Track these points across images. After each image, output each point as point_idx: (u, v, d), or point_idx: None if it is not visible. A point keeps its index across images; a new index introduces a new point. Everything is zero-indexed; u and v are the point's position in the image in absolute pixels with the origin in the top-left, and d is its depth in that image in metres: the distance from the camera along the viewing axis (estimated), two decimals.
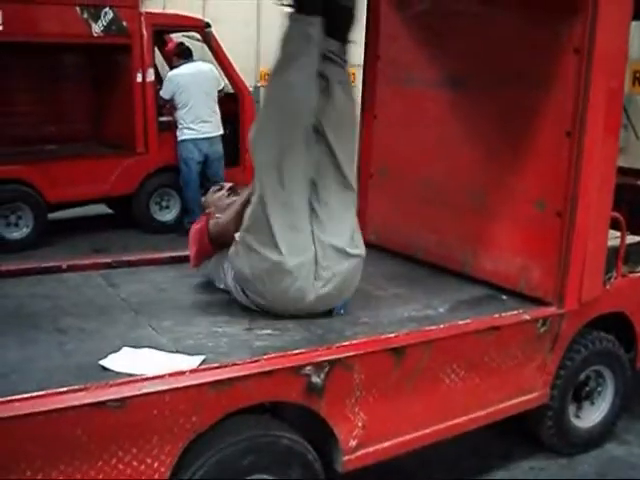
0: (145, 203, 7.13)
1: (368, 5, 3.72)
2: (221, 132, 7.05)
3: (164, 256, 3.42)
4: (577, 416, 3.26)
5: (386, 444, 2.47)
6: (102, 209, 7.61)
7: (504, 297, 3.05)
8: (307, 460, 2.28)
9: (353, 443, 2.37)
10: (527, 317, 2.79)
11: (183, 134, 6.88)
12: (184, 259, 3.39)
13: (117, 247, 6.55)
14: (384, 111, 3.67)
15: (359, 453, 2.39)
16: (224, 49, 7.39)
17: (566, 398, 3.14)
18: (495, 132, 3.09)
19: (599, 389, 3.31)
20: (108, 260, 3.28)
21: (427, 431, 2.55)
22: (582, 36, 2.68)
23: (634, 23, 2.84)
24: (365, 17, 3.71)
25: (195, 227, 3.02)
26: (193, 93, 6.81)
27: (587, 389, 3.25)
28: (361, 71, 3.85)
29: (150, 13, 7.08)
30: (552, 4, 2.79)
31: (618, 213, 3.07)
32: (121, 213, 7.52)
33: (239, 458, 2.13)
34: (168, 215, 7.34)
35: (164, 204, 7.32)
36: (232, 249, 2.70)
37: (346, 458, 2.35)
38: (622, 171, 3.03)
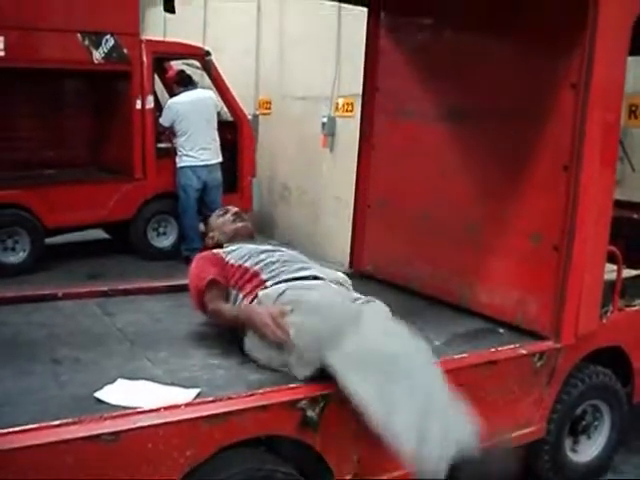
0: (142, 229, 7.15)
1: (367, 37, 3.77)
2: (220, 160, 7.08)
3: (160, 285, 3.42)
4: (574, 450, 3.24)
5: (382, 478, 2.45)
6: (99, 234, 7.62)
7: (501, 330, 3.05)
8: None
9: (348, 477, 2.35)
10: (524, 351, 2.79)
11: (182, 161, 6.90)
12: (180, 288, 3.39)
13: (113, 273, 6.55)
14: (382, 142, 3.70)
15: None
16: (223, 77, 7.46)
17: (563, 432, 3.12)
18: (492, 165, 3.11)
19: (596, 423, 3.29)
20: (104, 288, 3.27)
21: None
22: (579, 71, 2.70)
23: (630, 58, 2.87)
24: (365, 47, 3.76)
25: (194, 271, 2.90)
26: (193, 121, 6.84)
27: (584, 423, 3.23)
28: (359, 101, 3.89)
29: (150, 41, 7.18)
30: (549, 39, 2.83)
31: (614, 246, 3.08)
32: (118, 239, 7.53)
33: None
34: (165, 241, 7.35)
35: (161, 230, 7.34)
36: None
37: None
38: (618, 204, 3.05)
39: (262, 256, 2.80)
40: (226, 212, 3.18)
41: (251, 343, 2.53)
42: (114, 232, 7.60)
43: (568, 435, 3.18)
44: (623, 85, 2.81)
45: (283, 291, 2.56)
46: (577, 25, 2.68)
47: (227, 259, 2.85)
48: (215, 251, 2.97)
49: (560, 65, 2.77)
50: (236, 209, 3.19)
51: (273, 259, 2.77)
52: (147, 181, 7.03)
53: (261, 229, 8.67)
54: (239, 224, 3.05)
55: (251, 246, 2.92)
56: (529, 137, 2.93)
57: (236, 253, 2.87)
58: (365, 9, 3.79)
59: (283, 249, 2.96)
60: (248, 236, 3.11)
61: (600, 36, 2.64)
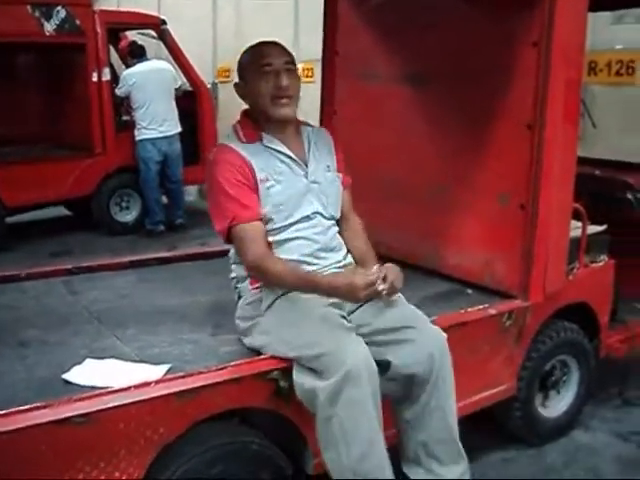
0: (105, 204, 7.04)
1: (325, 0, 3.70)
2: (179, 130, 6.98)
3: (124, 260, 3.36)
4: (544, 406, 3.29)
5: None
6: (61, 211, 7.49)
7: (469, 291, 3.06)
8: (277, 464, 2.25)
9: None
10: (493, 311, 2.80)
11: (141, 134, 6.79)
12: (144, 263, 3.36)
13: (77, 250, 6.46)
14: (344, 107, 3.65)
15: None
16: (180, 46, 7.31)
17: (533, 389, 3.16)
18: (456, 127, 3.09)
19: (564, 378, 3.34)
20: (68, 266, 3.21)
21: (395, 430, 2.54)
22: (540, 29, 2.68)
23: (589, 14, 2.85)
24: (323, 11, 3.69)
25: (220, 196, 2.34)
26: (150, 92, 6.73)
27: (553, 379, 3.27)
28: (320, 66, 3.83)
29: (104, 11, 7.02)
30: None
31: (578, 203, 3.09)
32: (80, 215, 7.41)
33: (208, 467, 2.09)
34: (128, 216, 7.26)
35: (124, 205, 7.23)
36: None
37: (316, 460, 2.33)
38: (580, 161, 3.06)
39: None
40: None
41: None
42: (76, 209, 7.47)
43: (538, 391, 3.23)
44: (584, 42, 2.80)
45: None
46: None
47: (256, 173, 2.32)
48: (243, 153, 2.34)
49: (521, 24, 2.75)
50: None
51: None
52: (107, 155, 6.90)
53: None
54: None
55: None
56: (492, 97, 2.91)
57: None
58: None
59: None
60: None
61: None
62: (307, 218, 2.39)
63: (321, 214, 2.42)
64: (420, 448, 2.34)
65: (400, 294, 2.43)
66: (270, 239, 2.34)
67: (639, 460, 3.23)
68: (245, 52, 2.44)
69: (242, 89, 2.42)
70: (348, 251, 2.54)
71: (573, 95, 2.83)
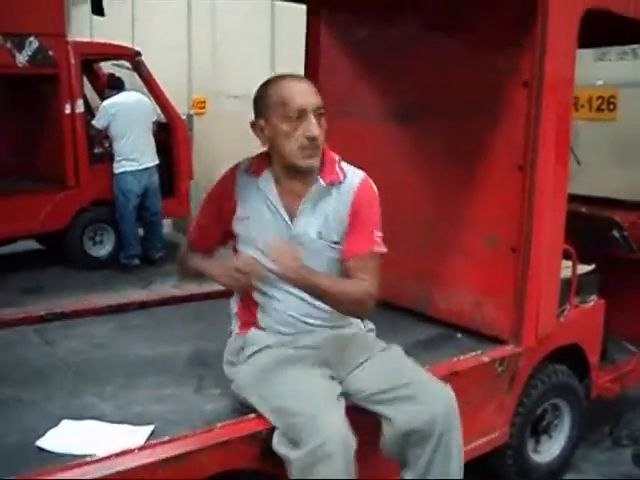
0: (78, 238, 6.88)
1: (307, 35, 3.64)
2: (157, 162, 6.89)
3: (101, 306, 3.22)
4: (536, 451, 3.21)
5: None
6: (32, 245, 7.31)
7: (459, 335, 2.99)
8: None
9: None
10: (486, 359, 2.72)
11: (122, 166, 6.68)
12: (122, 308, 3.23)
13: (50, 286, 6.29)
14: (327, 144, 3.57)
15: None
16: (155, 77, 7.23)
17: (524, 434, 3.07)
18: (445, 166, 3.03)
19: (556, 422, 3.26)
20: (41, 313, 3.06)
21: None
22: (531, 69, 2.64)
23: None
24: (305, 46, 3.63)
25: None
26: (130, 123, 6.64)
27: (544, 423, 3.20)
28: None
29: (78, 42, 6.91)
30: (501, 38, 2.76)
31: (566, 242, 3.04)
32: (52, 249, 7.24)
33: None
34: (102, 250, 7.10)
35: (98, 239, 7.08)
36: None
37: None
38: (567, 198, 3.01)
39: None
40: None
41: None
42: (48, 242, 7.30)
43: (530, 436, 3.14)
44: (574, 81, 2.76)
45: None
46: (527, 22, 2.62)
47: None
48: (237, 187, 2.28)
49: (511, 63, 2.71)
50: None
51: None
52: (81, 189, 6.75)
53: None
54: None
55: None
56: (481, 137, 2.86)
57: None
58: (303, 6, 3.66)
59: None
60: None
61: (550, 33, 2.57)
62: None
63: None
64: None
65: (401, 350, 2.34)
66: (263, 289, 2.24)
67: None
68: (268, 87, 2.19)
69: (262, 129, 2.19)
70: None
71: (564, 135, 2.78)
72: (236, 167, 2.32)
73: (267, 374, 2.16)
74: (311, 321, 2.27)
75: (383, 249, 2.26)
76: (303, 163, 2.16)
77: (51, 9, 6.53)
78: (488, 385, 2.78)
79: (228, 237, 2.34)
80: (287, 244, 2.18)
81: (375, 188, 2.31)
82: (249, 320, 2.32)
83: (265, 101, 2.17)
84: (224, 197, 2.28)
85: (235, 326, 2.38)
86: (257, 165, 2.27)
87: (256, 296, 2.27)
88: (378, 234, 2.26)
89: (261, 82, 2.25)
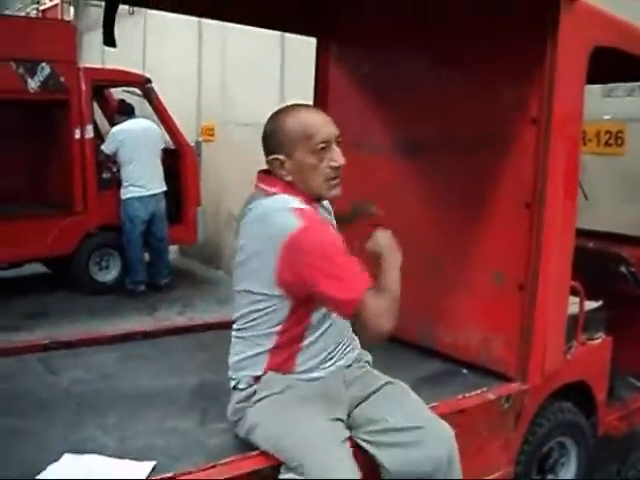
0: (84, 263, 6.90)
1: (316, 68, 3.66)
2: (165, 189, 6.92)
3: (105, 335, 3.21)
4: None
5: None
6: (38, 268, 7.32)
7: (465, 371, 2.96)
8: None
9: None
10: (492, 396, 2.69)
11: (129, 192, 6.71)
12: (127, 337, 3.22)
13: (54, 311, 6.28)
14: None
15: None
16: (164, 104, 7.28)
17: (530, 473, 3.03)
18: (451, 201, 3.02)
19: (562, 460, 3.22)
20: (45, 341, 3.05)
21: None
22: (539, 105, 2.64)
23: None
24: (314, 79, 3.65)
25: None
26: (139, 149, 6.68)
27: (551, 461, 3.16)
28: None
29: (89, 68, 6.98)
30: (509, 73, 2.76)
31: (573, 278, 3.02)
32: (59, 273, 7.24)
33: None
34: (108, 275, 7.12)
35: (104, 264, 7.09)
36: None
37: None
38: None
39: None
40: None
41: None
42: (54, 266, 7.31)
43: (536, 475, 3.10)
44: (582, 117, 2.76)
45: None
46: (536, 58, 2.62)
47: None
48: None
49: (519, 100, 2.71)
50: None
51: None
52: (88, 214, 6.78)
53: (208, 260, 8.48)
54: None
55: None
56: (489, 173, 2.85)
57: None
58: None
59: None
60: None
61: (559, 69, 2.57)
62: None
63: None
64: None
65: (402, 383, 2.32)
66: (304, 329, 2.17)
67: None
68: (285, 120, 2.12)
69: (282, 164, 2.12)
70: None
71: (572, 171, 2.78)
72: (304, 209, 2.09)
73: (276, 416, 2.11)
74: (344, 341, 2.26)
75: None
76: (329, 194, 2.16)
77: (63, 36, 6.65)
78: (494, 423, 2.75)
79: None
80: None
81: None
82: (280, 368, 2.18)
83: (285, 135, 2.11)
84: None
85: (245, 375, 2.21)
86: (302, 199, 2.13)
87: (305, 338, 2.17)
88: None
89: (270, 112, 2.21)
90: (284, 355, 2.17)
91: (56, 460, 2.00)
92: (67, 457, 2.02)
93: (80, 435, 2.21)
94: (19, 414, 2.35)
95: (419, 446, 2.10)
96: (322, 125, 2.10)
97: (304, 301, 2.09)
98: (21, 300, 6.58)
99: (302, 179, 2.12)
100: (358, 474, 1.96)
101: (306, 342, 2.17)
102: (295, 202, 2.09)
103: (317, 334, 2.18)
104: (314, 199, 2.18)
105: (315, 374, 2.20)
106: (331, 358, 2.23)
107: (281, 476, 2.00)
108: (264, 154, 2.20)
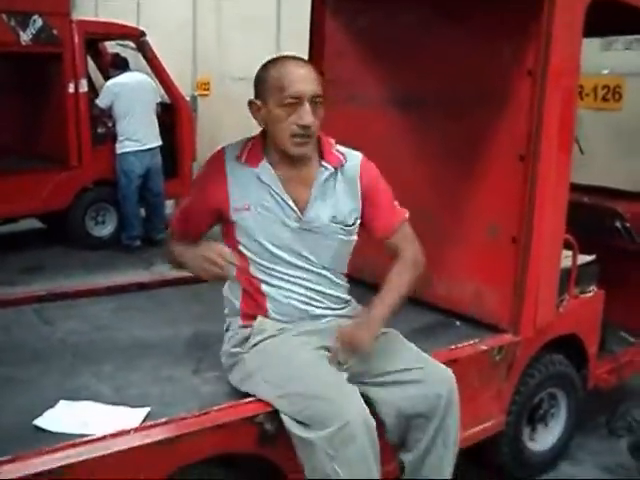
0: (80, 218, 6.88)
1: (312, 21, 3.61)
2: (160, 143, 6.87)
3: (101, 287, 3.23)
4: (532, 439, 3.22)
5: None
6: (33, 224, 7.31)
7: (458, 323, 2.99)
8: None
9: None
10: (484, 347, 2.72)
11: (124, 146, 6.67)
12: (122, 289, 3.24)
13: (50, 266, 6.29)
14: (330, 131, 3.55)
15: None
16: (159, 58, 7.19)
17: (521, 423, 3.09)
18: (447, 154, 3.02)
19: (552, 411, 3.27)
20: (41, 293, 3.07)
21: (387, 468, 2.43)
22: (535, 57, 2.62)
23: None
24: (309, 33, 3.61)
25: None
26: (133, 103, 6.62)
27: (541, 412, 3.21)
28: None
29: (82, 21, 6.86)
30: (506, 26, 2.73)
31: (567, 232, 3.03)
32: (54, 228, 7.24)
33: None
34: (104, 230, 7.11)
35: (100, 219, 7.07)
36: None
37: None
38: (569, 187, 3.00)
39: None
40: None
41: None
42: (50, 222, 7.30)
43: (526, 425, 3.15)
44: (579, 70, 2.74)
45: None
46: (532, 11, 2.59)
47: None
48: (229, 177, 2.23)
49: (515, 52, 2.68)
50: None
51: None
52: (83, 169, 6.73)
53: None
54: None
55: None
56: (483, 126, 2.84)
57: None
58: None
59: None
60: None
61: (556, 21, 2.55)
62: (295, 259, 2.23)
63: (311, 260, 2.25)
64: None
65: (399, 333, 2.35)
66: (264, 271, 2.23)
67: None
68: (269, 68, 2.15)
69: (258, 110, 2.17)
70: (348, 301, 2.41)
71: (568, 125, 2.76)
72: (221, 155, 2.25)
73: (275, 360, 2.15)
74: (317, 310, 2.28)
75: (406, 212, 2.39)
76: (293, 151, 2.16)
77: None
78: (486, 373, 2.78)
79: (213, 226, 2.31)
80: (350, 327, 2.17)
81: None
82: (256, 312, 2.28)
83: (264, 83, 2.14)
84: (214, 187, 2.21)
85: (237, 319, 2.32)
86: (251, 154, 2.22)
87: (263, 287, 2.25)
88: (395, 202, 2.37)
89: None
90: (253, 301, 2.27)
91: (52, 407, 2.03)
92: (63, 403, 2.05)
93: (75, 384, 2.24)
94: (14, 363, 2.37)
95: (419, 384, 2.14)
96: (298, 81, 2.09)
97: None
98: (17, 255, 6.59)
99: (270, 130, 2.17)
100: (366, 409, 1.99)
101: (267, 289, 2.24)
102: (234, 150, 2.23)
103: (276, 284, 2.23)
104: (285, 155, 2.18)
105: (292, 317, 2.26)
106: (307, 307, 2.27)
107: (289, 427, 2.01)
108: None
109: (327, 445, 1.90)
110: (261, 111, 2.16)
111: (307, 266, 2.25)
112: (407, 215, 2.38)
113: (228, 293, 2.36)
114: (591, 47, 3.89)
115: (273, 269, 2.22)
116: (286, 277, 2.24)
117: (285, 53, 2.27)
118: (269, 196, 2.20)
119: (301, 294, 2.25)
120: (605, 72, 4.53)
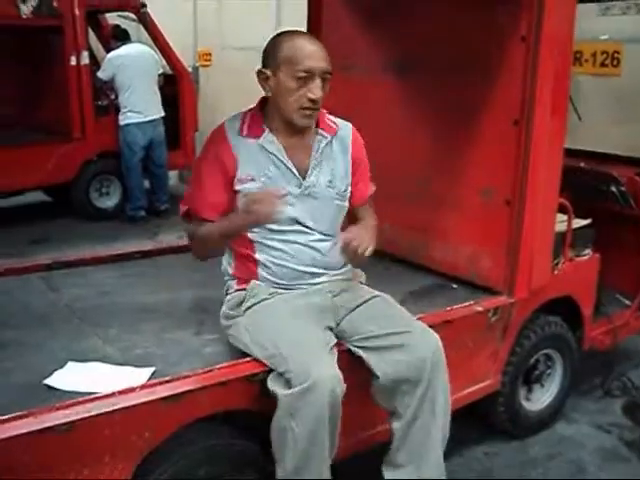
0: (84, 190, 6.95)
1: None
2: (162, 114, 6.90)
3: (106, 255, 3.30)
4: (527, 399, 3.30)
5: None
6: (39, 196, 7.38)
7: (454, 286, 3.05)
8: (260, 464, 2.23)
9: None
10: (479, 308, 2.79)
11: (127, 118, 6.70)
12: (126, 256, 3.31)
13: (57, 237, 6.37)
14: (329, 99, 3.59)
15: None
16: (160, 29, 7.20)
17: (517, 383, 3.16)
18: (442, 119, 3.05)
19: (548, 372, 3.35)
20: (48, 261, 3.14)
21: (380, 429, 2.52)
22: (529, 23, 2.64)
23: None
24: (307, 2, 3.63)
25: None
26: (135, 75, 6.64)
27: (537, 372, 3.29)
28: None
29: None
30: None
31: (563, 196, 3.08)
32: (60, 200, 7.31)
33: (194, 469, 2.08)
34: (108, 202, 7.19)
35: (104, 191, 7.15)
36: None
37: None
38: (564, 152, 3.04)
39: None
40: None
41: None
42: (55, 194, 7.37)
43: (522, 385, 3.23)
44: (573, 35, 2.76)
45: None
46: None
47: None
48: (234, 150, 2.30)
49: (509, 17, 2.70)
50: None
51: None
52: (86, 141, 6.79)
53: None
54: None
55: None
56: (478, 91, 2.87)
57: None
58: None
59: None
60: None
61: None
62: (294, 225, 2.32)
63: (309, 227, 2.34)
64: (402, 461, 2.30)
65: (390, 297, 2.42)
66: (259, 239, 2.31)
67: (620, 452, 3.26)
68: (282, 40, 2.23)
69: (266, 80, 2.25)
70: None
71: (562, 90, 2.79)
72: (222, 130, 2.33)
73: (265, 322, 2.24)
74: (314, 277, 2.37)
75: (373, 187, 2.57)
76: (300, 121, 2.25)
77: None
78: (481, 334, 2.86)
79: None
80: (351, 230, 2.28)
81: None
82: (249, 277, 2.37)
83: (276, 54, 2.22)
84: (225, 161, 2.27)
85: (233, 283, 2.43)
86: (251, 126, 2.31)
87: (255, 253, 2.34)
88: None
89: (269, 35, 2.32)
90: (244, 267, 2.37)
91: (61, 367, 2.12)
92: (71, 364, 2.14)
93: (82, 346, 2.32)
94: (24, 328, 2.46)
95: (404, 349, 2.21)
96: (311, 57, 2.18)
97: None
98: (22, 227, 6.67)
99: (278, 100, 2.25)
100: (338, 373, 2.05)
101: (259, 255, 2.33)
102: (233, 124, 2.30)
103: (272, 246, 2.32)
104: (289, 124, 2.27)
105: (286, 280, 2.35)
106: (304, 269, 2.35)
107: (269, 384, 2.10)
108: None
109: (289, 403, 1.98)
110: (269, 81, 2.24)
111: (305, 230, 2.34)
112: (373, 190, 2.56)
113: (225, 258, 2.46)
114: (587, 12, 3.91)
115: (271, 237, 2.31)
116: (281, 243, 2.32)
117: (294, 28, 2.35)
118: (272, 165, 2.29)
119: (298, 259, 2.33)
120: (604, 37, 4.53)
